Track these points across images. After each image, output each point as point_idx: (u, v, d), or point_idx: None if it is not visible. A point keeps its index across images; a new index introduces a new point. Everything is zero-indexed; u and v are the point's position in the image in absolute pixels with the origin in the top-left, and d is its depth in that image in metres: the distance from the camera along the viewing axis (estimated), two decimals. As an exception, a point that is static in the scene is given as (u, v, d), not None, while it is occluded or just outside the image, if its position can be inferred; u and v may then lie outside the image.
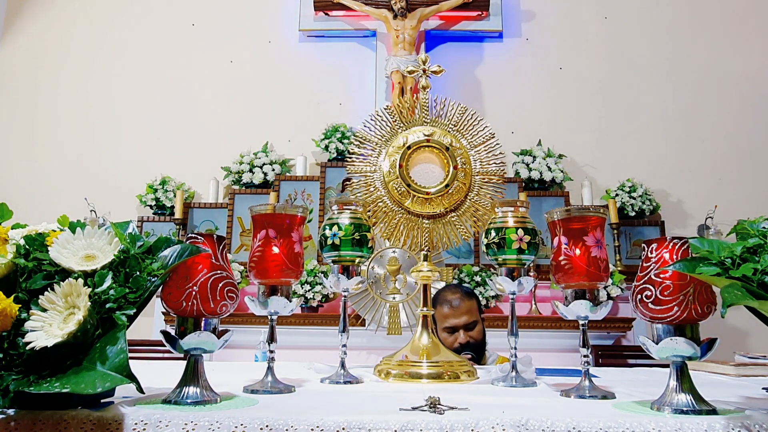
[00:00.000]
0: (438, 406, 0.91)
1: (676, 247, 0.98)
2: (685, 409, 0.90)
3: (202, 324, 0.99)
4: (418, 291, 3.36)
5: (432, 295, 2.60)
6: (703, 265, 0.89)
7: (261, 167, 4.28)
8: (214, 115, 4.62)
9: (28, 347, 0.82)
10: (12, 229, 0.98)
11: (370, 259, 3.45)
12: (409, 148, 1.49)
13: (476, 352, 2.39)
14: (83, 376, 0.81)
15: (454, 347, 2.33)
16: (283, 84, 4.66)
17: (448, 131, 1.53)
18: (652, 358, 0.99)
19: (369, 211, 1.47)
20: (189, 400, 0.94)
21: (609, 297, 3.72)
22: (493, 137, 1.54)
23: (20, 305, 0.87)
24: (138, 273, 0.93)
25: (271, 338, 1.19)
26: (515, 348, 1.30)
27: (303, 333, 3.71)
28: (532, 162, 4.25)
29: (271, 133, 4.52)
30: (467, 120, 1.54)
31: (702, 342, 0.95)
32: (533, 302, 3.87)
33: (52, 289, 0.86)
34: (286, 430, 0.81)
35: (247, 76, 4.68)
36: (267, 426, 0.81)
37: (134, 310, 0.89)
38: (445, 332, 2.41)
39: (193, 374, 0.97)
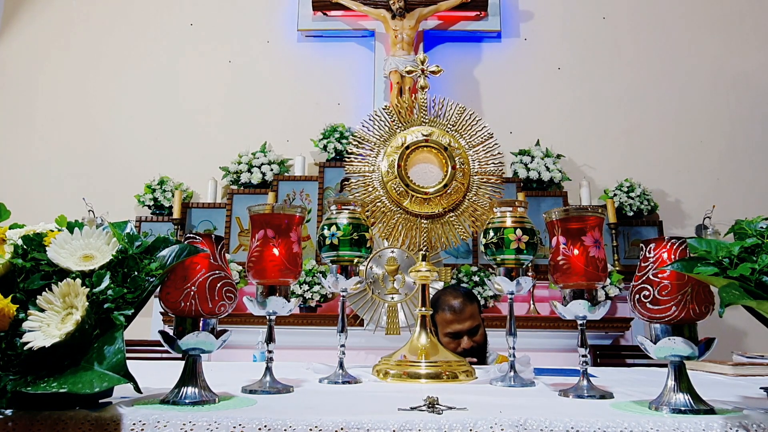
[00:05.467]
0: (436, 406, 0.91)
1: (674, 247, 0.98)
2: (683, 408, 0.91)
3: (201, 324, 0.99)
4: (416, 291, 3.36)
5: (431, 297, 2.56)
6: (701, 265, 0.89)
7: (259, 167, 4.28)
8: (212, 115, 4.61)
9: (25, 347, 0.82)
10: (10, 228, 0.98)
11: (368, 259, 3.44)
12: (407, 148, 1.49)
13: (479, 355, 2.32)
14: (81, 376, 0.81)
15: (457, 352, 2.21)
16: (281, 84, 4.66)
17: (447, 131, 1.53)
18: (650, 358, 1.00)
19: (367, 211, 1.47)
20: (187, 401, 0.94)
21: (607, 297, 3.72)
22: (491, 137, 1.54)
23: (18, 305, 0.86)
24: (136, 273, 0.93)
25: (270, 338, 1.19)
26: (513, 348, 1.30)
27: (301, 333, 3.71)
28: (531, 162, 4.25)
29: (269, 133, 4.52)
30: (465, 120, 1.54)
31: (700, 342, 0.95)
32: (531, 302, 3.87)
33: (50, 290, 0.86)
34: (285, 430, 0.81)
35: (246, 76, 4.68)
36: (265, 426, 0.81)
37: (132, 311, 0.89)
38: (448, 337, 2.31)
39: (191, 374, 0.97)
